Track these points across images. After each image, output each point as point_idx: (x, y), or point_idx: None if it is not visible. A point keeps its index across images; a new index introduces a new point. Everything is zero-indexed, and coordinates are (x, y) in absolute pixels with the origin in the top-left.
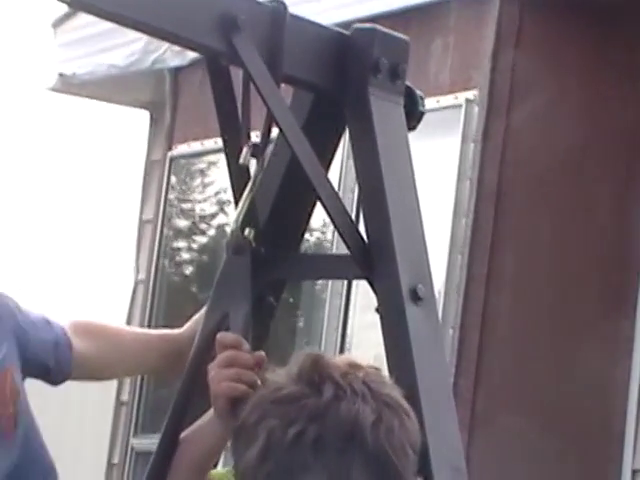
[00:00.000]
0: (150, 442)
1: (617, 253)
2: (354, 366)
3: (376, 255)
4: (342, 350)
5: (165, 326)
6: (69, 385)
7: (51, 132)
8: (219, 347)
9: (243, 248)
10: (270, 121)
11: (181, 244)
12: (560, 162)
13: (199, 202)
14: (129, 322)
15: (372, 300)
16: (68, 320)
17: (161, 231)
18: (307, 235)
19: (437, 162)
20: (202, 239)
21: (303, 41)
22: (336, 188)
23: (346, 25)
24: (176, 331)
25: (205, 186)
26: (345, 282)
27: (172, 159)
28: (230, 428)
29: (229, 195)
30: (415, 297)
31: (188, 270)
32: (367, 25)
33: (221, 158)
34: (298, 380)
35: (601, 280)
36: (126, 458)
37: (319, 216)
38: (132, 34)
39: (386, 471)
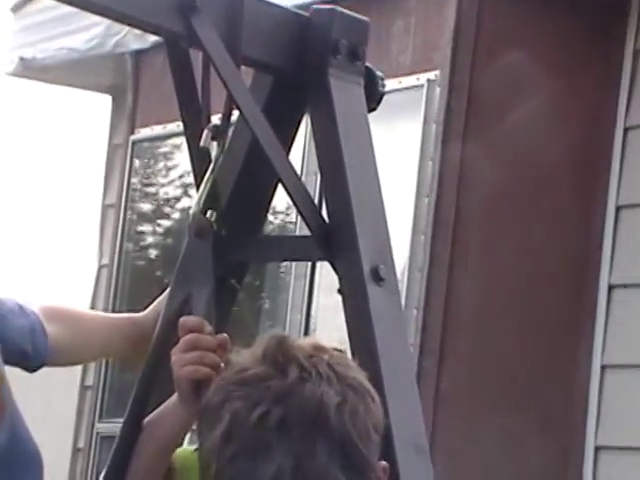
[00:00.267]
0: (115, 426)
1: (581, 230)
2: (319, 348)
3: (337, 236)
4: (307, 332)
5: (130, 310)
6: None
7: (12, 117)
8: (182, 331)
9: (205, 231)
10: (230, 103)
11: (145, 228)
12: (524, 140)
13: (162, 186)
14: (93, 307)
15: (336, 282)
16: (37, 305)
17: (124, 215)
18: (271, 217)
19: (399, 143)
20: (166, 223)
21: (262, 22)
22: (299, 170)
23: (307, 7)
24: (139, 314)
25: (168, 169)
26: (309, 264)
27: (134, 143)
28: (194, 411)
29: (192, 178)
30: (377, 277)
31: (152, 254)
32: (326, 6)
33: (184, 141)
34: (262, 361)
35: (566, 259)
36: (91, 443)
37: (283, 198)
38: (93, 18)
39: (350, 453)
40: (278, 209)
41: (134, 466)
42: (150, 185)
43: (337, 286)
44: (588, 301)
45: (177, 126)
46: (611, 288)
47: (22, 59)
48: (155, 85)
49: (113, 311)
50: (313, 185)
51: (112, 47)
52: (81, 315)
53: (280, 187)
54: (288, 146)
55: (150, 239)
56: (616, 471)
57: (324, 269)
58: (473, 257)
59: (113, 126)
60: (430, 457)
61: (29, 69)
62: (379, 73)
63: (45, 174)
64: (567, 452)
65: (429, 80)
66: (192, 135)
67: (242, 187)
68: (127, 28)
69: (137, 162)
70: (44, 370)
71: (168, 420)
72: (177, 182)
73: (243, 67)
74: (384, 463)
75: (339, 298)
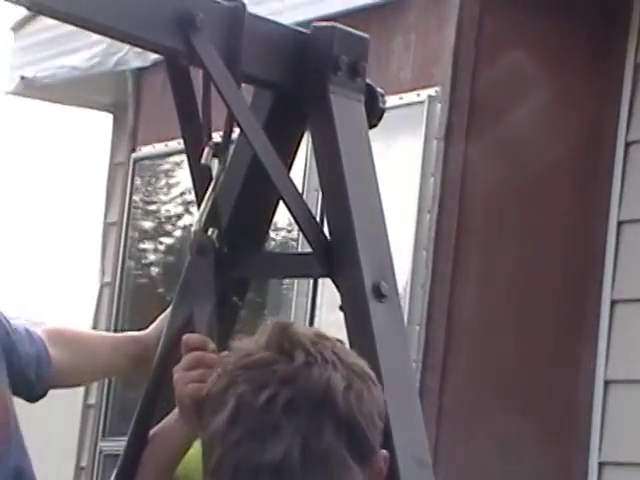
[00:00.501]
0: (118, 445)
1: (582, 245)
2: (321, 336)
3: (339, 253)
4: None
5: (132, 329)
6: None
7: (13, 137)
8: (185, 349)
9: (206, 248)
10: (231, 121)
11: (146, 246)
12: (524, 155)
13: (164, 203)
14: (95, 325)
15: (338, 299)
16: (42, 329)
17: (126, 233)
18: (273, 234)
19: (401, 159)
20: (168, 240)
21: (262, 40)
22: (300, 187)
23: (307, 24)
24: (142, 333)
25: (170, 187)
26: (311, 281)
27: (136, 161)
28: (195, 428)
29: (194, 196)
30: (378, 294)
31: (154, 272)
32: (326, 23)
33: (185, 159)
34: (267, 347)
35: (568, 274)
36: (94, 461)
37: (285, 215)
38: (94, 36)
39: (356, 436)
40: (280, 226)
41: None
42: (152, 203)
43: (339, 303)
44: (590, 316)
45: (178, 144)
46: (613, 303)
47: (23, 78)
48: (156, 103)
49: (115, 329)
50: (314, 202)
51: (113, 65)
52: (85, 336)
53: (281, 204)
54: (289, 163)
55: (152, 257)
56: None
57: (326, 286)
58: (475, 273)
59: (114, 144)
60: (433, 472)
61: (30, 88)
62: (379, 89)
63: (46, 193)
64: (571, 468)
65: (430, 96)
66: (193, 153)
67: (243, 204)
68: (128, 46)
69: (138, 180)
70: None
71: (170, 436)
72: (178, 200)
73: (244, 84)
74: (385, 452)
75: (341, 315)
